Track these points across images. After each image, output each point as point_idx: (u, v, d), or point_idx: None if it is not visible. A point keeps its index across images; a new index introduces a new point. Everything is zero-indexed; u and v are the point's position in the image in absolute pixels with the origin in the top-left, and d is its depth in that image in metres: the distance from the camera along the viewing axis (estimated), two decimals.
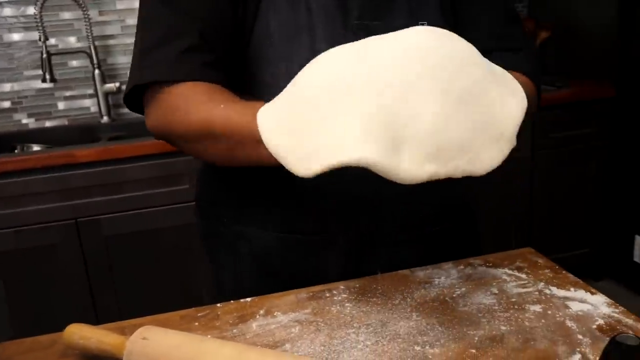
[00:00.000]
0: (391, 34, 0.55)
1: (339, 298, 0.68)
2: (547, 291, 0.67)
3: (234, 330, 0.62)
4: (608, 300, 0.64)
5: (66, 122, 2.03)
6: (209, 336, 0.61)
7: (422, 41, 0.53)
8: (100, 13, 1.98)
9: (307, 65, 0.55)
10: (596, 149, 2.10)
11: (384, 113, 0.49)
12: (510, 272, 0.72)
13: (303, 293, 0.70)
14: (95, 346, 0.56)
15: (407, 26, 0.71)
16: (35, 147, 1.83)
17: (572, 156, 2.09)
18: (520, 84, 0.59)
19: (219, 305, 0.68)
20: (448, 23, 0.75)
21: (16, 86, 1.96)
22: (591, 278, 2.26)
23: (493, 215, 2.03)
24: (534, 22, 2.27)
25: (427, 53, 0.52)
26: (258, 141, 0.55)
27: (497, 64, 0.75)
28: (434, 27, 0.56)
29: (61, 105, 2.02)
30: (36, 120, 2.00)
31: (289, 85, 0.56)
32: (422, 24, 0.73)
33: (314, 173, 0.50)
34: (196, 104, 0.63)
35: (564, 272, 0.72)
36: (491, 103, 0.53)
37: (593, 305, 0.63)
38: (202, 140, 0.64)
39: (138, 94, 0.69)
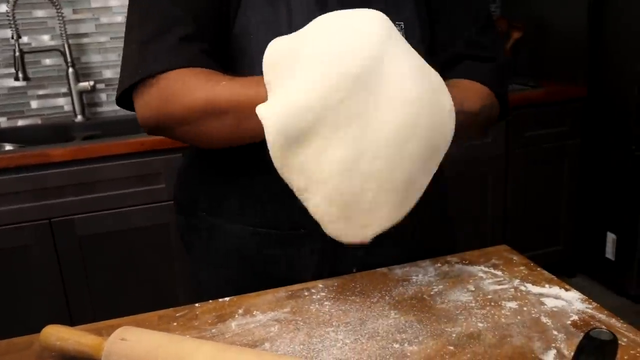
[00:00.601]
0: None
1: (318, 297, 0.68)
2: (523, 288, 0.68)
3: (213, 330, 0.62)
4: (582, 296, 0.66)
5: (39, 121, 1.99)
6: (188, 336, 0.61)
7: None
8: (75, 11, 1.94)
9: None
10: (569, 148, 2.15)
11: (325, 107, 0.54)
12: (486, 269, 0.73)
13: (282, 292, 0.70)
14: (73, 347, 0.55)
15: None
16: (8, 147, 1.79)
17: (546, 154, 2.13)
18: (479, 97, 0.64)
19: (197, 305, 0.68)
20: (422, 23, 0.77)
21: None
22: (565, 275, 2.31)
23: (468, 212, 2.06)
24: (506, 22, 2.31)
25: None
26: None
27: (461, 71, 0.78)
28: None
29: (34, 104, 1.97)
30: (8, 119, 1.96)
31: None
32: (399, 24, 0.75)
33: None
34: (196, 84, 0.63)
35: (538, 269, 0.73)
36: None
37: (567, 301, 0.65)
38: (205, 119, 0.63)
39: (127, 91, 0.68)
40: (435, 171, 0.60)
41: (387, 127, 0.54)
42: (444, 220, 0.91)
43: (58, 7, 1.81)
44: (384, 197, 0.56)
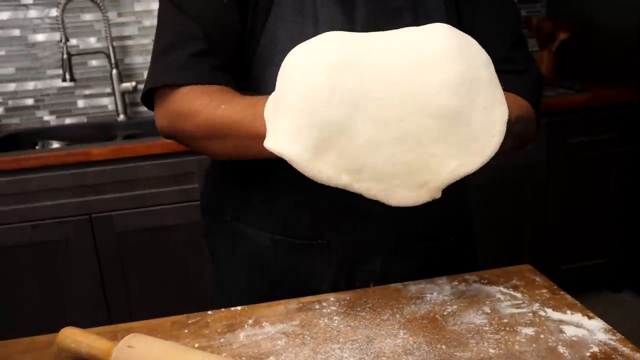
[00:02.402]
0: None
1: (328, 310, 0.68)
2: (542, 313, 0.65)
3: (221, 340, 0.63)
4: (605, 325, 0.62)
5: (85, 120, 2.08)
6: (196, 345, 0.62)
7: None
8: (119, 15, 2.01)
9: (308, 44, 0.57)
10: (617, 156, 2.05)
11: (326, 115, 0.53)
12: (505, 290, 0.71)
13: (293, 304, 0.70)
14: (86, 350, 0.57)
15: None
16: (55, 144, 1.88)
17: (591, 163, 2.03)
18: (516, 106, 0.59)
19: (209, 312, 0.69)
20: None
21: (39, 84, 2.01)
22: (610, 289, 2.21)
23: (504, 222, 2.00)
24: (551, 23, 2.23)
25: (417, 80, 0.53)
26: (261, 138, 0.58)
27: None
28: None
29: (81, 103, 2.06)
30: (57, 117, 2.05)
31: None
32: None
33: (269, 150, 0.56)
34: (199, 107, 0.65)
35: (561, 293, 0.70)
36: (435, 154, 0.54)
37: (589, 330, 0.61)
38: (209, 139, 0.66)
39: (152, 94, 0.71)
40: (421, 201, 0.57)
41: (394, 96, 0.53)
42: (468, 235, 0.88)
43: (104, 10, 1.88)
44: (424, 150, 0.54)
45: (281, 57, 0.69)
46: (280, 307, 0.69)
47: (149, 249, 1.71)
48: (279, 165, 0.59)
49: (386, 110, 0.52)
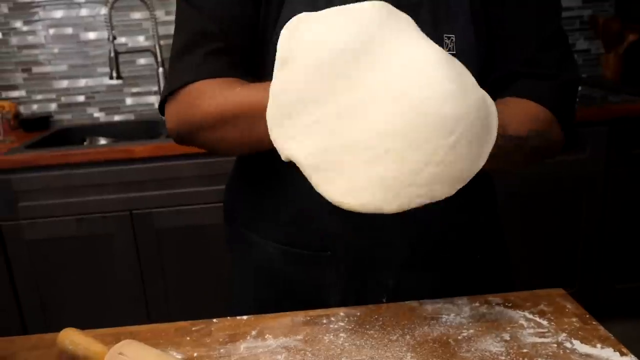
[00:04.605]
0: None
1: (335, 326, 0.65)
2: (568, 345, 0.59)
3: (221, 350, 0.61)
4: None
5: (132, 117, 2.14)
6: (195, 354, 0.61)
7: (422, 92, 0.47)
8: (167, 13, 2.06)
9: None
10: None
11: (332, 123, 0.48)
12: (530, 316, 0.65)
13: (300, 316, 0.67)
14: (82, 353, 0.57)
15: (430, 38, 0.67)
16: (102, 140, 1.95)
17: None
18: (531, 119, 0.56)
19: (214, 320, 0.68)
20: (479, 38, 0.70)
21: (90, 82, 2.09)
22: None
23: (557, 236, 1.88)
24: (620, 23, 2.08)
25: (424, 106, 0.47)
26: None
27: (514, 90, 0.69)
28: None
29: (129, 100, 2.13)
30: (106, 114, 2.13)
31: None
32: (449, 37, 0.68)
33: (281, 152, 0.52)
34: (212, 93, 0.64)
35: (594, 323, 0.63)
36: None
37: None
38: (221, 125, 0.63)
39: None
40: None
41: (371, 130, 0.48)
42: (498, 252, 0.82)
43: (151, 9, 1.93)
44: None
45: None
46: (287, 319, 0.67)
47: (187, 247, 1.74)
48: (287, 174, 0.57)
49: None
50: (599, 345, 0.59)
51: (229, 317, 0.68)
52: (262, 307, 0.73)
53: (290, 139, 0.50)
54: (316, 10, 0.66)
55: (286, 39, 0.52)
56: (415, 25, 0.53)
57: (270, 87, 0.52)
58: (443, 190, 0.47)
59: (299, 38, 0.51)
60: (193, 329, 0.66)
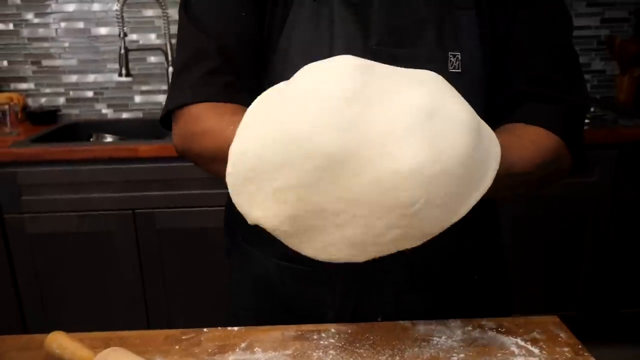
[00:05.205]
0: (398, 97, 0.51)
1: (325, 343, 0.64)
2: None
3: None
4: None
5: (140, 115, 2.15)
6: None
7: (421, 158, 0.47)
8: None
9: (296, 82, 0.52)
10: None
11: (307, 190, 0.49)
12: (522, 343, 0.64)
13: (291, 331, 0.67)
14: (68, 357, 0.57)
15: (434, 56, 0.66)
16: (108, 138, 1.95)
17: None
18: (538, 151, 0.57)
19: (205, 330, 0.67)
20: (486, 58, 0.69)
21: (99, 77, 2.10)
22: None
23: (560, 258, 1.87)
24: (637, 47, 2.05)
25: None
26: None
27: (522, 115, 0.68)
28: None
29: (137, 98, 2.13)
30: (114, 111, 2.14)
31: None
32: (454, 55, 0.68)
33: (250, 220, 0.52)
34: (208, 129, 0.64)
35: (586, 354, 0.62)
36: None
37: None
38: (214, 164, 0.64)
39: (170, 116, 0.72)
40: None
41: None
42: (497, 274, 0.82)
43: (164, 7, 1.93)
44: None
45: (294, 68, 0.67)
46: (277, 332, 0.66)
47: (189, 249, 1.74)
48: None
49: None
50: None
51: (219, 327, 0.68)
52: (259, 317, 0.73)
53: (255, 206, 0.51)
54: (317, 28, 0.66)
55: (255, 106, 0.53)
56: (394, 70, 0.53)
57: (231, 147, 0.52)
58: (407, 245, 0.50)
59: (266, 108, 0.52)
60: (183, 337, 0.66)
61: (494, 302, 0.80)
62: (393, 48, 0.66)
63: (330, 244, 0.50)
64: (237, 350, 0.63)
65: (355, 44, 0.66)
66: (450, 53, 0.67)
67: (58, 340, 0.58)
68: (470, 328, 0.67)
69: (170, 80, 1.99)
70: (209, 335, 0.66)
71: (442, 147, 0.47)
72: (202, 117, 0.65)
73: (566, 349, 0.63)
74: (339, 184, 0.48)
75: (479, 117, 0.52)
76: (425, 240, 0.50)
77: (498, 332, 0.66)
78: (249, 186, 0.50)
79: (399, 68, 0.54)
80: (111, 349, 0.55)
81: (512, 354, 0.62)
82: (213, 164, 0.65)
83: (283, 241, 0.52)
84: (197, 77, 0.67)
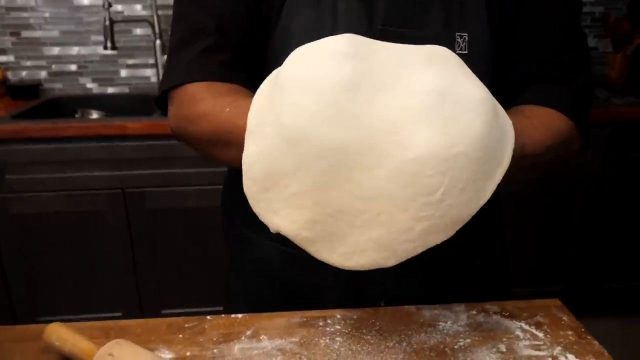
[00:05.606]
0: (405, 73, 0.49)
1: (332, 329, 0.64)
2: (562, 359, 0.59)
3: (215, 350, 0.60)
4: None
5: (127, 90, 2.09)
6: (188, 353, 0.59)
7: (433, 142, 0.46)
8: None
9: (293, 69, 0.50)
10: None
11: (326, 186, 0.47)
12: (526, 327, 0.65)
13: (296, 317, 0.66)
14: (69, 349, 0.56)
15: (441, 37, 0.64)
16: (94, 114, 1.90)
17: None
18: (549, 133, 0.55)
19: (208, 317, 0.66)
20: (494, 39, 0.67)
21: (83, 50, 2.03)
22: None
23: (547, 234, 1.89)
24: (630, 24, 2.04)
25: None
26: None
27: (532, 96, 0.67)
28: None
29: (123, 72, 2.07)
30: (99, 85, 2.07)
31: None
32: (462, 36, 0.66)
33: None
34: (204, 110, 0.62)
35: (588, 337, 0.63)
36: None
37: None
38: (212, 147, 0.63)
39: (166, 95, 0.69)
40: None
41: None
42: (497, 257, 0.82)
43: None
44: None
45: None
46: (283, 319, 0.66)
47: (180, 228, 1.72)
48: None
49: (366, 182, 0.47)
50: None
51: (223, 315, 0.67)
52: (259, 305, 0.72)
53: (274, 214, 0.50)
54: (320, 6, 0.64)
55: (255, 109, 0.51)
56: (397, 46, 0.51)
57: (243, 158, 0.51)
58: (438, 238, 0.48)
59: (266, 106, 0.50)
60: (186, 325, 0.65)
61: (494, 285, 0.81)
62: (399, 28, 0.64)
63: (355, 249, 0.48)
64: (243, 338, 0.62)
65: (360, 24, 0.64)
66: (457, 34, 0.66)
67: (57, 332, 0.57)
68: (474, 312, 0.67)
69: (156, 54, 1.95)
70: (213, 323, 0.65)
71: (458, 129, 0.46)
72: (198, 98, 0.63)
73: (569, 332, 0.64)
74: (355, 181, 0.46)
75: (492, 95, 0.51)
76: (454, 230, 0.48)
77: (502, 316, 0.67)
78: (266, 194, 0.49)
79: (404, 45, 0.52)
80: (115, 342, 0.54)
81: (518, 338, 0.62)
82: (209, 148, 0.63)
83: (306, 250, 0.50)
84: (193, 55, 0.64)
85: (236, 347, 0.61)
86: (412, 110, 0.46)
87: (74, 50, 2.03)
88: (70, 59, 2.04)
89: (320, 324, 0.65)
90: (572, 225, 1.89)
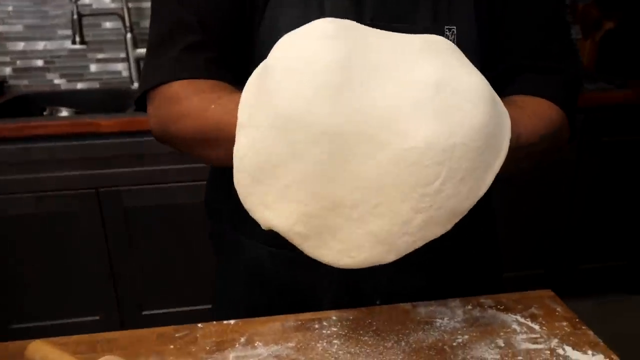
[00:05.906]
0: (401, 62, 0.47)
1: (328, 332, 0.62)
2: (560, 351, 0.59)
3: None
4: None
5: (97, 86, 2.02)
6: None
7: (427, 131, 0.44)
8: None
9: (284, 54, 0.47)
10: None
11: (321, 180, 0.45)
12: (522, 320, 0.65)
13: (291, 321, 0.65)
14: None
15: (429, 31, 0.63)
16: (64, 111, 1.83)
17: (624, 164, 1.92)
18: (542, 122, 0.56)
19: (199, 325, 0.64)
20: (482, 31, 0.67)
21: (49, 45, 1.95)
22: (625, 292, 2.14)
23: (527, 220, 1.92)
24: (598, 11, 2.07)
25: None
26: None
27: (523, 86, 0.67)
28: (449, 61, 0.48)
29: (93, 67, 2.00)
30: (68, 81, 2.00)
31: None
32: (450, 29, 0.65)
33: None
34: (188, 107, 0.59)
35: (583, 327, 0.63)
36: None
37: None
38: (202, 144, 0.60)
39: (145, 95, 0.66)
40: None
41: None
42: (490, 244, 0.82)
43: None
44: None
45: None
46: (277, 324, 0.64)
47: (159, 227, 1.67)
48: None
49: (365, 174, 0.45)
50: (590, 352, 0.59)
51: (214, 322, 0.65)
52: (252, 310, 0.70)
53: (266, 208, 0.47)
54: (307, 2, 0.62)
55: (245, 101, 0.49)
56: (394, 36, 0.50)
57: (234, 151, 0.48)
58: (438, 230, 0.47)
59: (257, 97, 0.48)
60: (176, 335, 0.63)
61: (487, 272, 0.81)
62: (388, 23, 0.63)
63: (352, 244, 0.46)
64: (237, 345, 0.60)
65: (349, 20, 0.62)
66: (446, 27, 0.65)
67: (41, 350, 0.53)
68: (470, 307, 0.67)
69: (128, 48, 1.88)
70: (205, 331, 0.63)
71: (456, 119, 0.45)
72: (181, 96, 0.60)
73: (564, 324, 0.64)
74: (352, 170, 0.44)
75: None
76: (454, 221, 0.47)
77: (497, 309, 0.67)
78: (258, 187, 0.47)
79: (393, 33, 0.51)
80: (105, 358, 0.51)
81: (515, 332, 0.62)
82: (194, 147, 0.61)
83: (300, 247, 0.48)
84: (175, 53, 0.61)
85: (231, 356, 0.59)
86: (411, 100, 0.45)
87: (40, 45, 1.94)
88: (36, 54, 1.95)
89: (316, 326, 0.63)
90: (549, 210, 1.93)
